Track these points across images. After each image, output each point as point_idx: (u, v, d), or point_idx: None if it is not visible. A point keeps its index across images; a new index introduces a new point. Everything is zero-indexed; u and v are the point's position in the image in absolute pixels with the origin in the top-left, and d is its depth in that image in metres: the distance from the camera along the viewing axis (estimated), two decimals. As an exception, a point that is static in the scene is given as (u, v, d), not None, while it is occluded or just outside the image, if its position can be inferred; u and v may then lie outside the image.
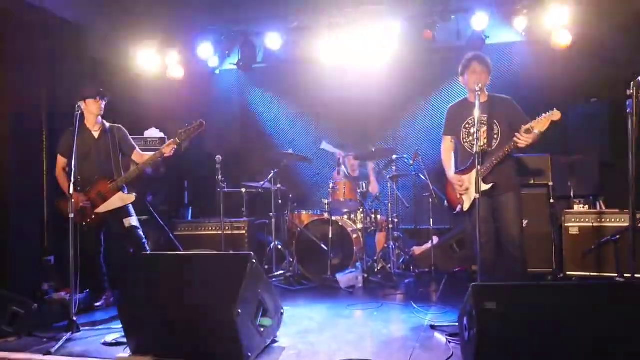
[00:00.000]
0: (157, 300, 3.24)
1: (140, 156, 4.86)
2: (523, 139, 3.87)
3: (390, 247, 5.99)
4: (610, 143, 5.90)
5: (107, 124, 4.86)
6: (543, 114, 3.86)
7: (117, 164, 4.79)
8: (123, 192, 4.74)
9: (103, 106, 4.76)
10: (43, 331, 3.82)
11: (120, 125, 4.95)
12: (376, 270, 5.99)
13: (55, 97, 5.50)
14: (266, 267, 6.09)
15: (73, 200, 4.01)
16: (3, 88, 5.12)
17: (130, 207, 4.79)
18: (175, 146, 4.67)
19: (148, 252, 4.67)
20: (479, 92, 3.79)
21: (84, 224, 4.61)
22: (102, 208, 4.66)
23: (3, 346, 3.59)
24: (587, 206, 5.45)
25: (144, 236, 4.78)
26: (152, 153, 4.78)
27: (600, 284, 4.51)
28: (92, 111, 4.72)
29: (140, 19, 6.35)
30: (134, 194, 4.84)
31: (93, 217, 4.64)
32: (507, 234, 4.06)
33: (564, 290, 3.02)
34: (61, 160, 4.71)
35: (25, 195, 5.23)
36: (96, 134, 4.79)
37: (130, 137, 4.98)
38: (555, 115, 3.82)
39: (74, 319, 3.83)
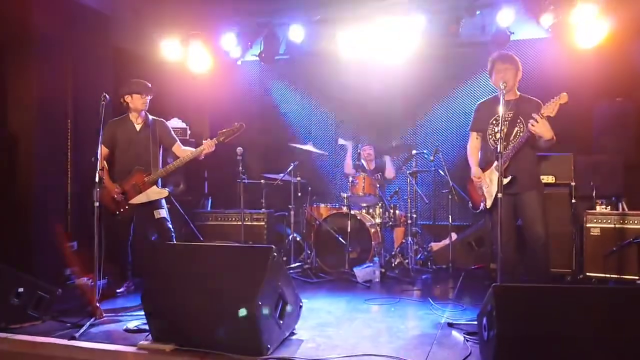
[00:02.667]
0: (179, 290, 3.28)
1: (181, 150, 4.93)
2: (535, 125, 3.86)
3: (408, 242, 5.99)
4: (635, 144, 5.81)
5: (151, 117, 4.95)
6: (551, 99, 3.85)
7: (155, 157, 4.86)
8: (157, 187, 4.83)
9: (148, 101, 4.85)
10: (67, 316, 3.91)
11: (162, 119, 5.04)
12: (393, 265, 5.99)
13: (80, 85, 5.57)
14: (284, 258, 6.12)
15: (108, 190, 4.21)
16: (29, 76, 5.19)
17: (163, 201, 4.88)
18: (214, 146, 4.75)
19: (172, 242, 4.74)
20: (504, 91, 3.78)
21: (117, 213, 4.72)
22: (136, 200, 4.75)
23: (28, 330, 3.67)
24: (609, 207, 5.38)
25: (172, 229, 4.86)
26: (191, 149, 4.87)
27: (623, 287, 4.47)
28: (137, 106, 4.81)
29: (164, 9, 6.39)
30: (167, 188, 4.94)
31: (127, 207, 4.75)
32: (531, 232, 4.03)
33: (586, 292, 3.00)
34: (103, 150, 4.74)
35: (50, 182, 5.31)
36: (138, 127, 4.87)
37: (172, 130, 5.05)
38: (563, 98, 3.82)
39: (97, 304, 3.92)
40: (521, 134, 4.08)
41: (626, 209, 5.38)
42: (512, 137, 4.10)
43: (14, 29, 5.12)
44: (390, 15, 6.37)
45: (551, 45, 6.60)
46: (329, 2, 6.30)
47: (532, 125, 3.87)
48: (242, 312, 2.93)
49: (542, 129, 3.86)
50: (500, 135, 3.68)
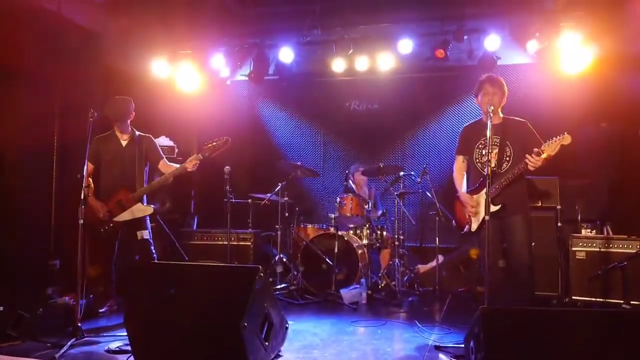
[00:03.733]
0: (163, 310, 3.23)
1: (167, 167, 4.87)
2: (533, 161, 3.86)
3: (395, 264, 5.96)
4: (620, 168, 5.88)
5: (137, 133, 4.91)
6: (554, 137, 3.85)
7: (141, 174, 4.81)
8: (142, 204, 4.77)
9: (132, 116, 4.82)
10: (47, 336, 3.82)
11: (150, 135, 5.00)
12: (380, 287, 5.96)
13: (68, 103, 5.53)
14: (270, 279, 6.07)
15: (92, 208, 4.19)
16: (17, 93, 5.15)
17: (147, 220, 4.82)
18: (199, 161, 4.67)
19: (156, 262, 4.67)
20: (491, 114, 3.82)
21: (102, 230, 4.65)
22: (120, 217, 4.69)
23: (7, 350, 3.59)
24: (594, 231, 5.42)
25: (154, 251, 4.79)
26: (176, 165, 4.81)
27: (609, 311, 4.48)
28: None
29: (155, 28, 6.41)
30: (152, 206, 4.87)
31: (111, 225, 4.67)
32: (516, 256, 4.04)
33: (572, 316, 3.00)
34: (89, 167, 4.63)
35: (33, 200, 5.24)
36: (124, 143, 4.84)
37: (158, 147, 5.01)
38: (566, 139, 3.81)
39: (79, 324, 3.84)
40: (509, 158, 4.10)
41: (611, 233, 5.42)
42: (504, 163, 4.12)
43: (2, 46, 5.09)
44: (378, 38, 6.46)
45: (537, 71, 6.71)
46: (319, 24, 6.37)
47: (532, 163, 3.87)
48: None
49: (539, 165, 3.89)
50: (488, 158, 3.71)
